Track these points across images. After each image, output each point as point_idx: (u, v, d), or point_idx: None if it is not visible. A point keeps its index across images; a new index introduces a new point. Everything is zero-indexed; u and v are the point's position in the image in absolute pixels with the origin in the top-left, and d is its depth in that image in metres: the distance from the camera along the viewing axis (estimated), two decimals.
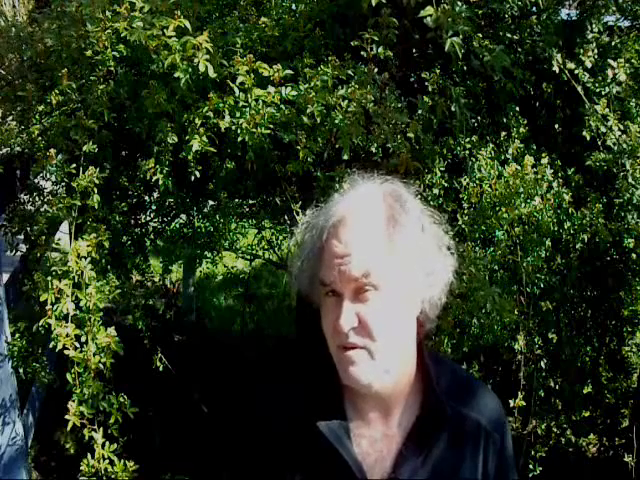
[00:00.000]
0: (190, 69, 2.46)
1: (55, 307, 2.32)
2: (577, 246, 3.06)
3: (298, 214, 2.51)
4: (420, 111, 2.75)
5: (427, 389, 1.21)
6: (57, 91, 2.72)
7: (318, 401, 1.18)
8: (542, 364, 3.09)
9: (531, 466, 2.94)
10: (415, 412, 1.20)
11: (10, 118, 3.22)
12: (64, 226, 3.09)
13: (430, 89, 2.79)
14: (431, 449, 1.17)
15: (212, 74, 2.46)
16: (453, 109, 2.76)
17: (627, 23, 3.39)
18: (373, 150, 2.60)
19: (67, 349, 2.29)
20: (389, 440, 1.19)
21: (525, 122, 3.08)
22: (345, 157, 2.49)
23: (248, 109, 2.52)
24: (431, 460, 1.17)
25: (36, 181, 3.29)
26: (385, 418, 1.20)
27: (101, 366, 2.32)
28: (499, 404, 1.28)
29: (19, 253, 3.25)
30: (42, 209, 3.05)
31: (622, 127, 2.91)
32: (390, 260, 1.10)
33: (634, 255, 3.12)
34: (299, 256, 1.18)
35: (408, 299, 1.13)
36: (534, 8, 3.23)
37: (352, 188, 1.20)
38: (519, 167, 2.79)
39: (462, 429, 1.20)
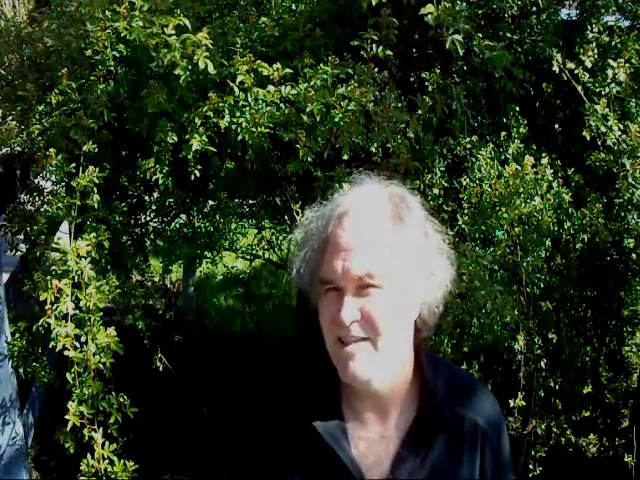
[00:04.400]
0: (190, 66, 2.46)
1: (55, 307, 2.32)
2: (577, 246, 3.06)
3: (298, 214, 2.51)
4: (420, 111, 2.75)
5: (424, 390, 1.20)
6: (57, 91, 2.71)
7: (316, 402, 1.18)
8: (542, 364, 3.08)
9: (531, 466, 2.94)
10: (412, 413, 1.20)
11: (10, 118, 3.22)
12: (64, 226, 3.09)
13: (430, 89, 2.79)
14: (429, 450, 1.17)
15: (212, 71, 2.46)
16: (454, 107, 2.76)
17: (627, 23, 3.39)
18: (373, 150, 2.60)
19: (67, 349, 2.29)
20: (386, 441, 1.19)
21: (525, 122, 3.08)
22: (345, 157, 2.49)
23: (248, 108, 2.52)
24: (429, 461, 1.17)
25: (36, 181, 3.29)
26: (382, 419, 1.20)
27: (101, 366, 2.31)
28: (496, 404, 1.28)
29: (19, 253, 3.25)
30: (42, 209, 3.05)
31: (622, 127, 2.91)
32: (394, 259, 1.10)
33: (634, 255, 3.12)
34: (302, 248, 1.18)
35: (408, 299, 1.13)
36: (534, 8, 3.23)
37: (358, 185, 1.21)
38: (519, 167, 2.79)
39: (460, 430, 1.20)
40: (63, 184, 2.79)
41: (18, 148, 3.24)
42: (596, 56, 3.04)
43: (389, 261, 1.09)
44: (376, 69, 2.62)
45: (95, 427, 2.32)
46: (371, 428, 1.19)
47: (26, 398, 4.32)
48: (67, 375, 2.32)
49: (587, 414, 3.86)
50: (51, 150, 2.57)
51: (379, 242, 1.10)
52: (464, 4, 2.53)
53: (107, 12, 2.66)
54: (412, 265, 1.12)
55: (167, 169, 2.66)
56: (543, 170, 2.83)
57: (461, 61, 3.04)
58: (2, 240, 3.22)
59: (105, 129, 2.73)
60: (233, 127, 2.52)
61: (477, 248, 2.86)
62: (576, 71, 2.95)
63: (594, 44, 3.10)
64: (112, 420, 2.33)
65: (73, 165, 2.59)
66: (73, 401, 2.29)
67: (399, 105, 2.67)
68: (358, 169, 1.27)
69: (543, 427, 3.37)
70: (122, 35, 2.56)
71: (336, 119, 2.48)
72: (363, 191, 1.18)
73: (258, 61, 2.56)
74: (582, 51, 3.03)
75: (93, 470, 2.29)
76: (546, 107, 3.41)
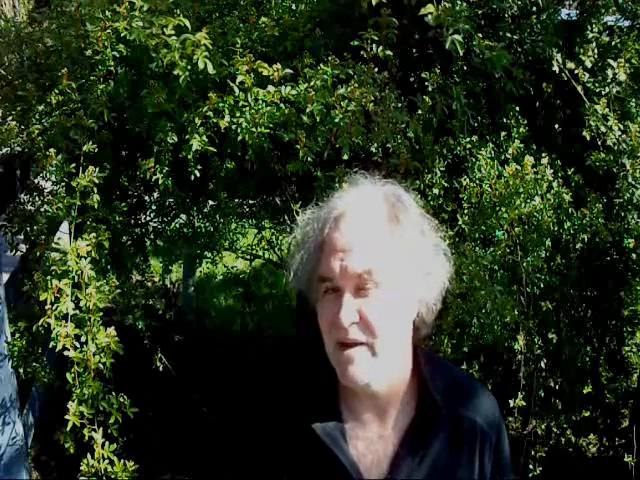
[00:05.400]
0: (189, 67, 2.46)
1: (55, 307, 2.32)
2: (577, 246, 3.06)
3: (298, 214, 2.51)
4: (420, 111, 2.75)
5: (422, 390, 1.21)
6: (57, 91, 2.71)
7: (314, 402, 1.18)
8: (542, 364, 3.08)
9: (531, 466, 2.94)
10: (411, 413, 1.20)
11: (10, 118, 3.22)
12: (64, 226, 3.09)
13: (430, 89, 2.79)
14: (427, 450, 1.18)
15: (211, 70, 2.46)
16: (454, 107, 2.76)
17: (627, 23, 3.39)
18: (373, 150, 2.60)
19: (67, 349, 2.29)
20: (385, 441, 1.19)
21: (525, 122, 3.07)
22: (345, 157, 2.48)
23: (248, 108, 2.52)
24: (427, 461, 1.17)
25: (36, 181, 3.29)
26: (381, 419, 1.20)
27: (101, 366, 2.31)
28: (495, 404, 1.28)
29: (19, 253, 3.25)
30: (42, 209, 3.05)
31: (622, 127, 2.91)
32: (392, 258, 1.10)
33: (634, 255, 3.12)
34: (299, 250, 1.18)
35: (406, 298, 1.13)
36: (534, 8, 3.22)
37: (354, 186, 1.21)
38: (519, 167, 2.79)
39: (458, 429, 1.20)
40: (63, 184, 2.79)
41: (18, 148, 3.24)
42: (596, 56, 3.04)
43: (387, 260, 1.10)
44: (376, 69, 2.62)
45: (95, 427, 2.32)
46: (369, 428, 1.19)
47: (26, 398, 4.32)
48: (67, 375, 2.32)
49: (587, 414, 3.86)
50: (51, 150, 2.57)
51: (376, 242, 1.10)
52: (464, 4, 2.52)
53: (107, 12, 2.66)
54: (410, 264, 1.12)
55: (167, 169, 2.66)
56: (543, 170, 2.83)
57: (461, 61, 3.04)
58: (2, 240, 3.22)
59: (105, 129, 2.73)
60: (233, 127, 2.53)
61: (477, 248, 2.86)
62: (576, 71, 2.95)
63: (594, 44, 3.10)
64: (112, 420, 2.33)
65: (73, 165, 2.58)
66: (73, 401, 2.29)
67: (399, 105, 2.67)
68: (358, 169, 1.27)
69: (543, 427, 3.37)
70: (122, 35, 2.56)
71: (336, 119, 2.48)
72: (358, 192, 1.18)
73: (258, 61, 2.56)
74: (582, 51, 3.03)
75: (93, 470, 2.29)
76: (546, 107, 3.41)
